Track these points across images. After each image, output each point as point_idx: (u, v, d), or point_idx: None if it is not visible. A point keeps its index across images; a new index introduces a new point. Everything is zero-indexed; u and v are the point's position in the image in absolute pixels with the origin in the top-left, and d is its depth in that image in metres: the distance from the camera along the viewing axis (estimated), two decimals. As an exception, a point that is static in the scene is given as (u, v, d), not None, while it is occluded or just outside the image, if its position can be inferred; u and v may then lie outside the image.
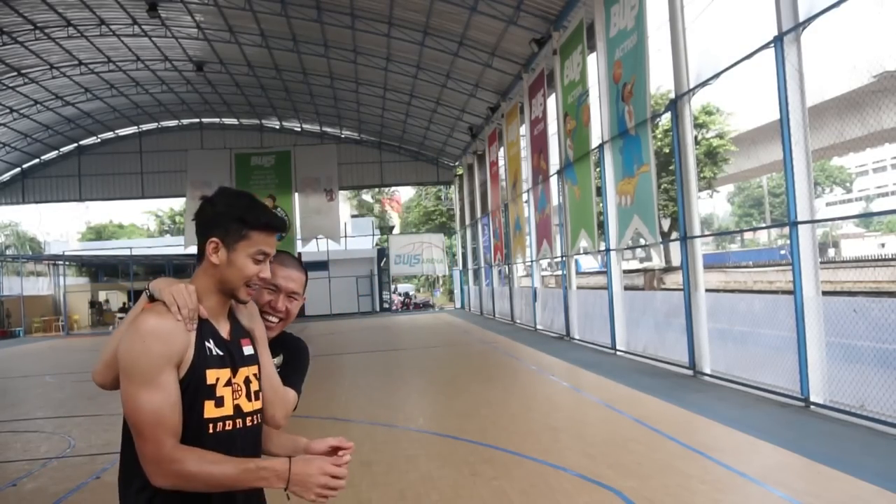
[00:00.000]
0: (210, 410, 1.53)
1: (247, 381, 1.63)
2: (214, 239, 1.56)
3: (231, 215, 1.56)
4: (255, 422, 1.65)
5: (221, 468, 1.45)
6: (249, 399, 1.63)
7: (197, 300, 1.56)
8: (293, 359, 2.04)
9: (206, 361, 1.54)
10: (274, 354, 1.89)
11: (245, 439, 1.60)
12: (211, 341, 1.56)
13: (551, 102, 15.00)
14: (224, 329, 1.63)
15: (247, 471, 1.46)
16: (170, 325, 1.49)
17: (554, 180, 14.87)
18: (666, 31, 9.28)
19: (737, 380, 7.71)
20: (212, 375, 1.54)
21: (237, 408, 1.58)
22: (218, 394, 1.55)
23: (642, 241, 11.03)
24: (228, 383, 1.57)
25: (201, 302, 1.58)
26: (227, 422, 1.56)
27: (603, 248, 11.95)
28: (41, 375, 13.30)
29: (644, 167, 9.79)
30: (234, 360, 1.60)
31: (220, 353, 1.57)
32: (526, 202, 17.56)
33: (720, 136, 29.40)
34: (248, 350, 1.67)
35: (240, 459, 1.50)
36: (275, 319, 1.89)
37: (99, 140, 29.40)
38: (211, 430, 1.53)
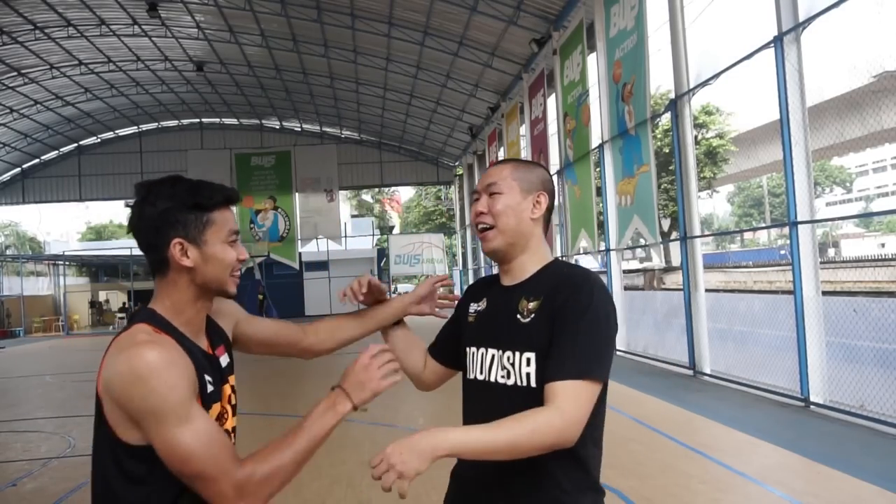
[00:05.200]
0: None
1: (230, 401, 1.45)
2: (178, 239, 1.33)
3: (183, 205, 1.33)
4: (234, 439, 1.47)
5: (290, 449, 1.30)
6: (234, 415, 1.48)
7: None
8: (562, 302, 1.42)
9: (207, 398, 1.34)
10: (533, 296, 1.48)
11: None
12: (205, 372, 1.36)
13: (551, 102, 14.99)
14: (204, 343, 1.42)
15: (311, 427, 1.32)
16: (178, 355, 1.28)
17: (554, 180, 14.85)
18: (666, 31, 9.29)
19: (737, 380, 7.71)
20: (212, 412, 1.36)
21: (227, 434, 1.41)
22: None
23: (642, 241, 11.03)
24: (220, 416, 1.40)
25: (179, 319, 1.36)
26: None
27: (603, 248, 11.94)
28: (41, 375, 13.28)
29: (644, 167, 9.79)
30: (219, 382, 1.41)
31: (213, 382, 1.38)
32: (526, 202, 17.52)
33: (720, 136, 29.41)
34: (224, 360, 1.47)
35: (291, 429, 1.33)
36: (483, 227, 1.55)
37: (99, 140, 29.38)
38: None
